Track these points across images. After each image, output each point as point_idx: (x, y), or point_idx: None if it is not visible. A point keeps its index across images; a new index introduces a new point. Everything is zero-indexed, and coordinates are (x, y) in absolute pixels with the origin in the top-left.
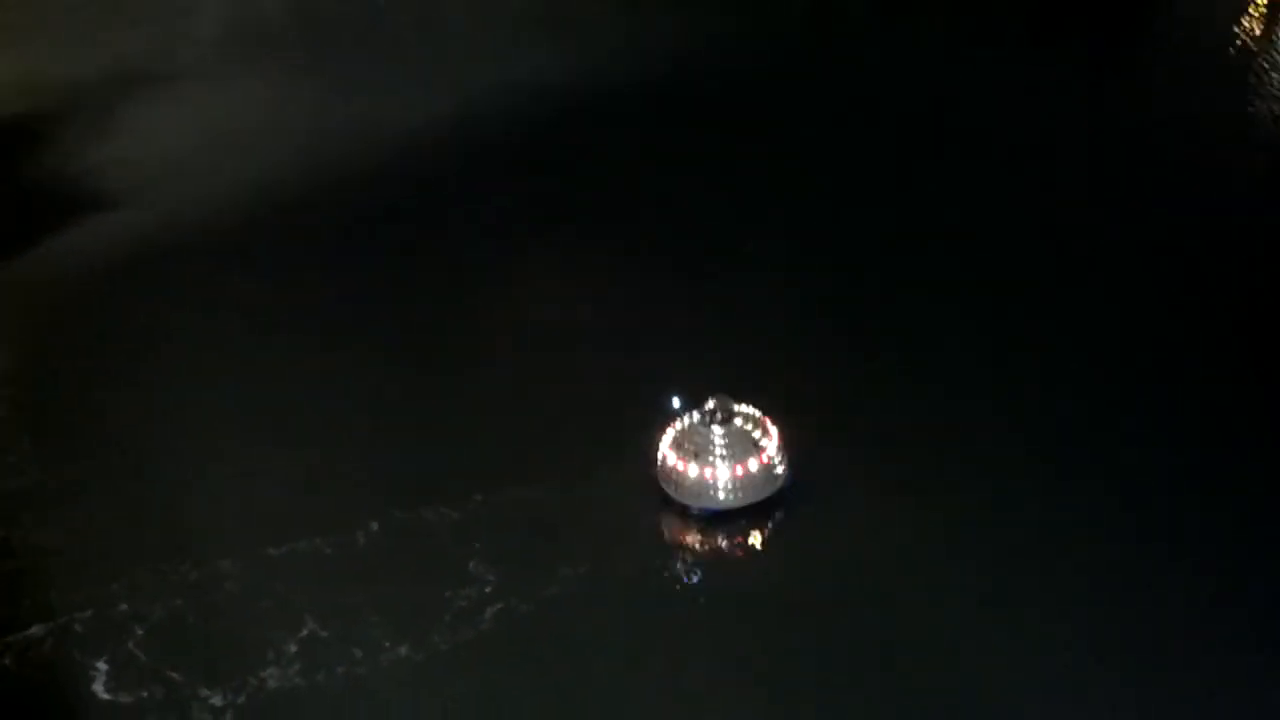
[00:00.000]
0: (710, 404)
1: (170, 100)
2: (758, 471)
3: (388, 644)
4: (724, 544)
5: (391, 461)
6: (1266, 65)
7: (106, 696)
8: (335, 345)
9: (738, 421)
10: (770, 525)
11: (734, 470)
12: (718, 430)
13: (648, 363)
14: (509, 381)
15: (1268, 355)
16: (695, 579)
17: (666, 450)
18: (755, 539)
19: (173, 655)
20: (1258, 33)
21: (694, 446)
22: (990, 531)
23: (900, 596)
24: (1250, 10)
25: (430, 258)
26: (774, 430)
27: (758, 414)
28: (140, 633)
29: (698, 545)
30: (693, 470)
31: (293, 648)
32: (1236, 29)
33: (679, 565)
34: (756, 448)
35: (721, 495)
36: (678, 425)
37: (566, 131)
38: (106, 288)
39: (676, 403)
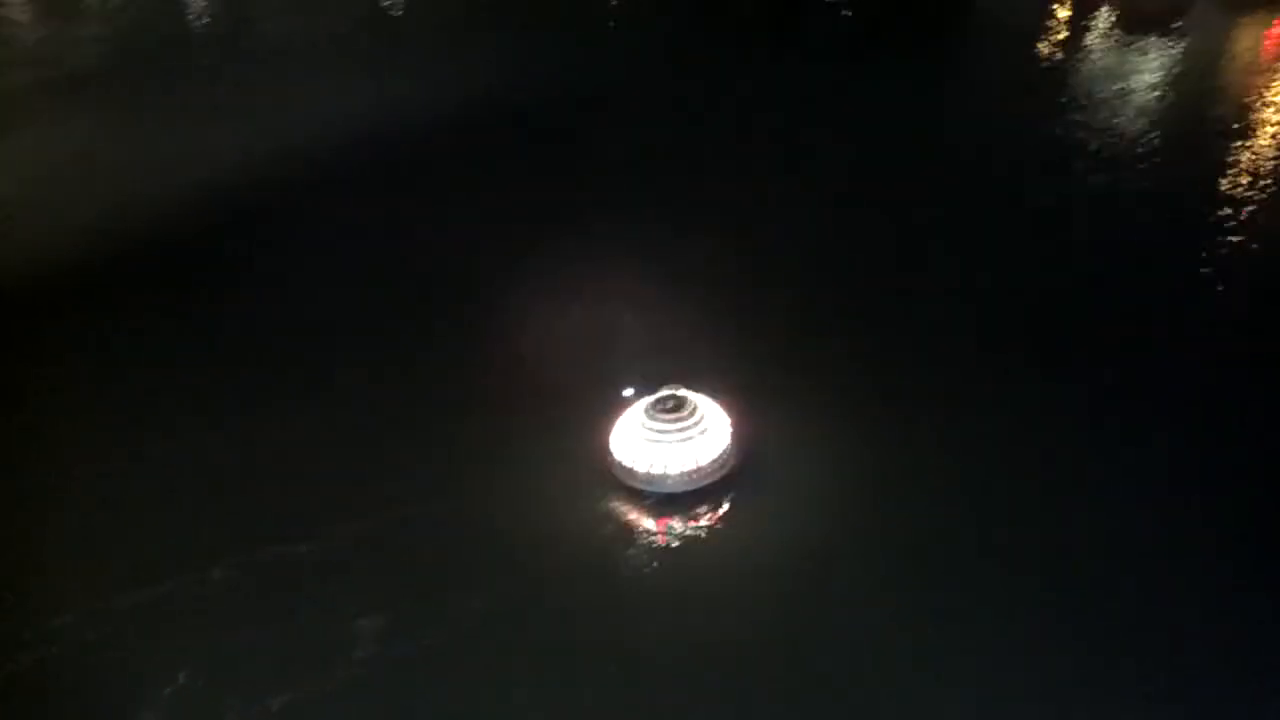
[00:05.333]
0: (662, 392)
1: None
2: (709, 455)
3: (267, 692)
4: (658, 537)
5: (257, 496)
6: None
7: None
8: (185, 378)
9: (689, 408)
10: (716, 513)
11: (687, 454)
12: (670, 416)
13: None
14: (370, 406)
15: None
16: (626, 579)
17: (620, 436)
18: (700, 529)
19: None
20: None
21: (648, 432)
22: (938, 521)
23: (844, 582)
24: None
25: (289, 276)
26: (725, 415)
27: (708, 400)
28: None
29: (629, 545)
30: (646, 455)
31: (158, 708)
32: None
33: (611, 560)
34: (708, 433)
35: (673, 479)
36: (631, 413)
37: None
38: None
39: (629, 392)
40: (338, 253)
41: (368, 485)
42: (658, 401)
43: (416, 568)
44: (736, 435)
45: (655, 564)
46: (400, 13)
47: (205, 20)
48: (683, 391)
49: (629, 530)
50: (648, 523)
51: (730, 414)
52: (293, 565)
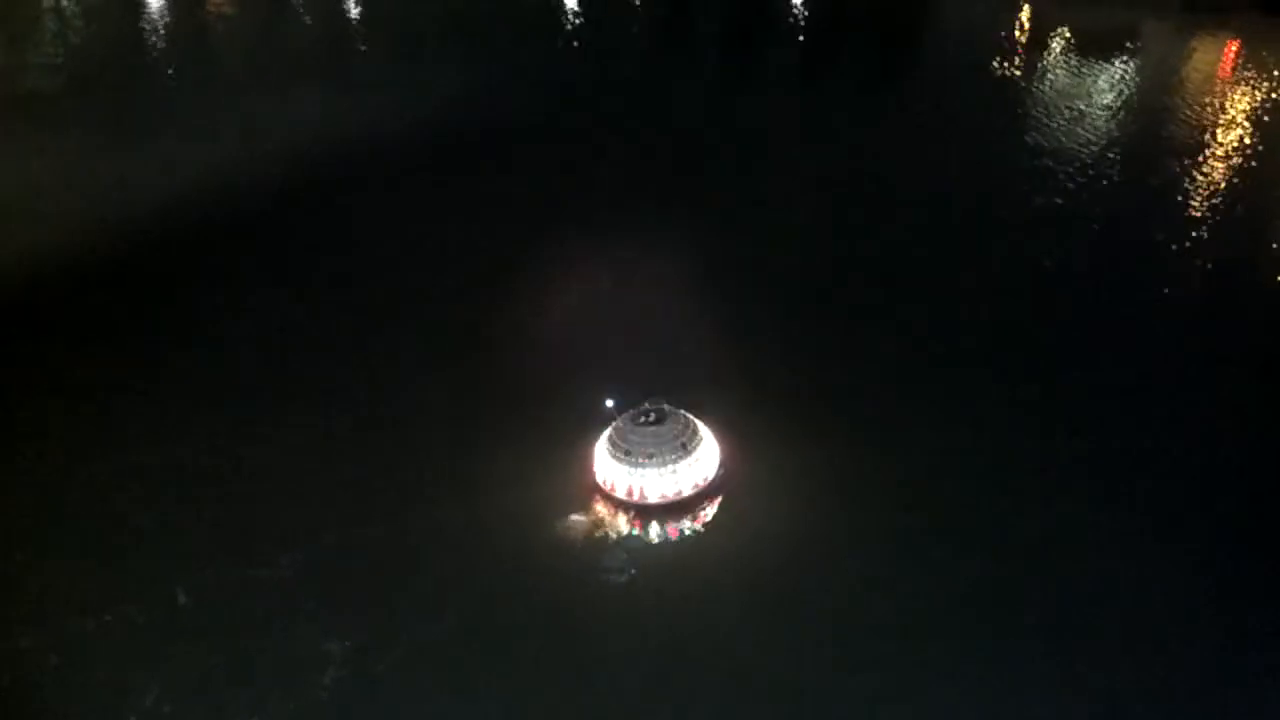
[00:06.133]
0: (644, 405)
1: None
2: (690, 468)
3: (234, 716)
4: (640, 545)
5: (225, 514)
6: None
7: None
8: (149, 395)
9: (671, 421)
10: (696, 526)
11: (667, 467)
12: (652, 429)
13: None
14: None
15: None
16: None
17: (604, 448)
18: (679, 541)
19: None
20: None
21: (628, 445)
22: (918, 537)
23: (838, 589)
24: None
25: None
26: (706, 429)
27: (690, 415)
28: None
29: (612, 553)
30: (626, 475)
31: None
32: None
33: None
34: (688, 446)
35: (654, 492)
36: (613, 426)
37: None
38: None
39: (610, 403)
40: (313, 262)
41: (340, 498)
42: (637, 416)
43: (386, 584)
44: (724, 452)
45: (638, 572)
46: (361, 28)
47: (173, 37)
48: (665, 407)
49: (611, 538)
50: (632, 531)
51: (717, 432)
52: (266, 584)
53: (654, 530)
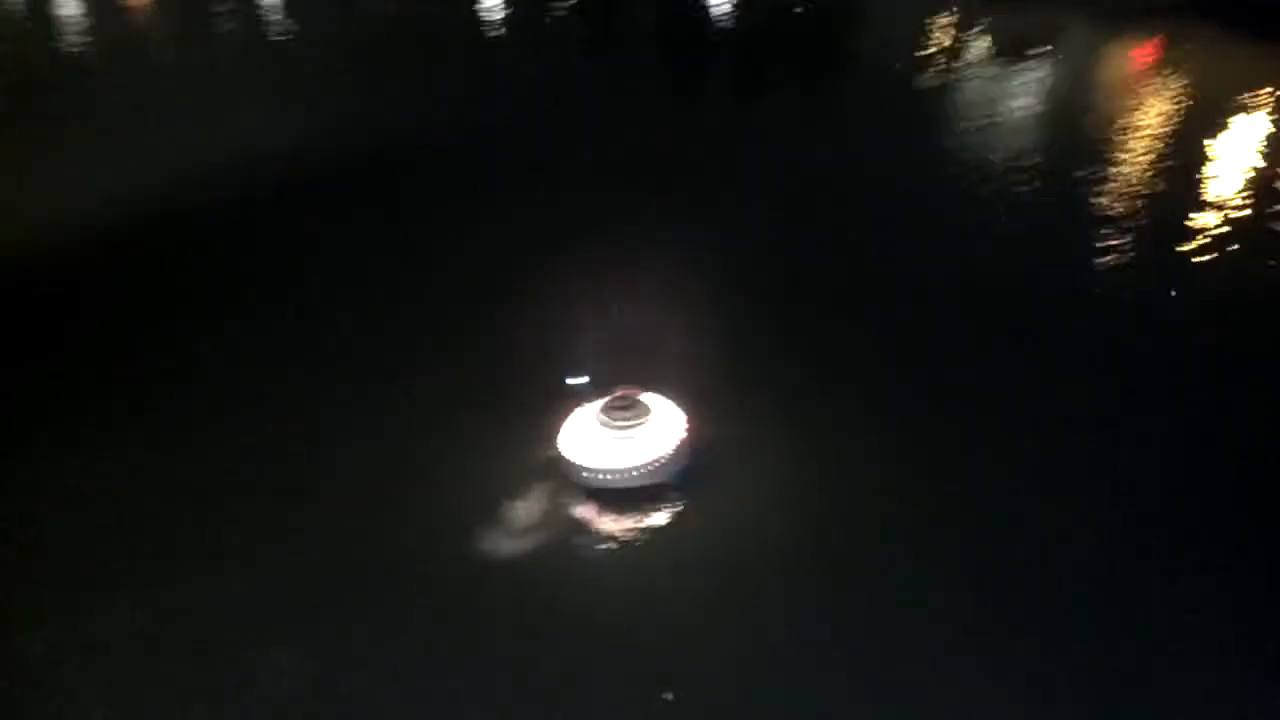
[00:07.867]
0: (616, 390)
1: None
2: (659, 453)
3: None
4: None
5: (185, 522)
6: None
7: None
8: (100, 401)
9: (640, 404)
10: (666, 513)
11: (636, 450)
12: (620, 411)
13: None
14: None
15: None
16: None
17: (573, 430)
18: (642, 526)
19: None
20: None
21: (597, 425)
22: (886, 539)
23: (797, 591)
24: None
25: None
26: (677, 413)
27: (660, 398)
28: None
29: (576, 541)
30: (595, 447)
31: None
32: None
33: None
34: (658, 430)
35: (621, 475)
36: (580, 407)
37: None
38: None
39: (576, 381)
40: (279, 275)
41: (301, 506)
42: (608, 400)
43: (348, 589)
44: (697, 438)
45: (605, 561)
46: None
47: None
48: (637, 390)
49: (578, 525)
50: (601, 517)
51: (690, 416)
52: (224, 597)
53: (623, 517)
